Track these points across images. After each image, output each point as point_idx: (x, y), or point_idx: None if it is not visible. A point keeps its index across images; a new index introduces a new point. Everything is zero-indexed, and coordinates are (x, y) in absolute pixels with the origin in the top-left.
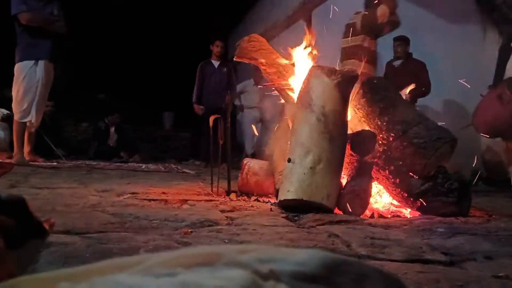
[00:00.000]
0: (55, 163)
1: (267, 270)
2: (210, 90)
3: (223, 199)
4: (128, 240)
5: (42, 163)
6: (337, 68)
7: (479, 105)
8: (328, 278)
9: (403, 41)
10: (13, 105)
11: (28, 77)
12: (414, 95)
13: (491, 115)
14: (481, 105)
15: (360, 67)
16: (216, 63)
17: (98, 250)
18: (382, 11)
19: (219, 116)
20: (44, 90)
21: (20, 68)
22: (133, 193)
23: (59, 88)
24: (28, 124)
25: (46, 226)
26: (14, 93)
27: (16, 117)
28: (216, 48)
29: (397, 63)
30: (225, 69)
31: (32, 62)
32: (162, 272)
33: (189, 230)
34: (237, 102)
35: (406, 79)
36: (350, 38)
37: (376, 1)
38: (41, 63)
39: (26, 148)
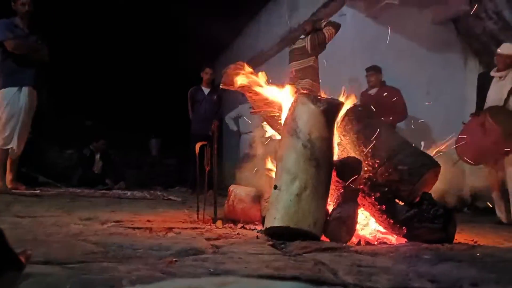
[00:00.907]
0: (38, 191)
1: None
2: (199, 117)
3: (209, 226)
4: (110, 271)
5: (25, 191)
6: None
7: (462, 133)
8: None
9: (374, 70)
10: None
11: (11, 104)
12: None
13: (474, 143)
14: (465, 133)
15: (316, 86)
16: (206, 90)
17: (79, 281)
18: (329, 31)
19: (205, 142)
20: (27, 117)
21: (3, 95)
22: (117, 221)
23: (44, 115)
24: (10, 151)
25: (22, 258)
26: None
27: None
28: (206, 75)
29: (372, 91)
30: (215, 97)
31: (16, 88)
32: None
33: (174, 259)
34: (234, 128)
35: (382, 106)
36: (301, 60)
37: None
38: (24, 89)
39: (8, 176)
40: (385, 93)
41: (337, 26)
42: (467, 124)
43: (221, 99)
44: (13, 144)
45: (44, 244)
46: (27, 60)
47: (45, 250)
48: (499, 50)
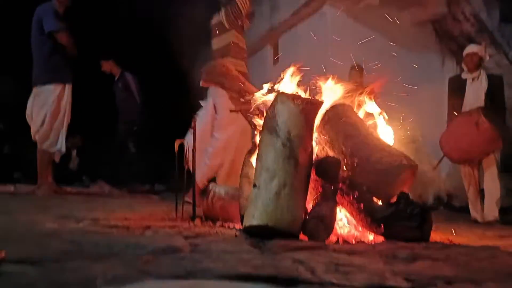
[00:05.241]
0: (12, 188)
1: None
2: (119, 108)
3: (188, 224)
4: (85, 270)
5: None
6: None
7: (450, 133)
8: None
9: (359, 70)
10: None
11: (57, 102)
12: None
13: (466, 142)
14: (455, 132)
15: (240, 65)
16: (117, 82)
17: (53, 281)
18: (242, 0)
19: (183, 140)
20: (69, 116)
21: (50, 92)
22: (93, 219)
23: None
24: (56, 153)
25: None
26: None
27: None
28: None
29: None
30: (120, 84)
31: (61, 86)
32: None
33: (151, 258)
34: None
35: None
36: (219, 37)
37: None
38: (68, 87)
39: (49, 178)
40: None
41: None
42: (457, 124)
43: (127, 83)
44: (61, 146)
45: (17, 243)
46: (65, 54)
47: (18, 249)
48: (465, 51)
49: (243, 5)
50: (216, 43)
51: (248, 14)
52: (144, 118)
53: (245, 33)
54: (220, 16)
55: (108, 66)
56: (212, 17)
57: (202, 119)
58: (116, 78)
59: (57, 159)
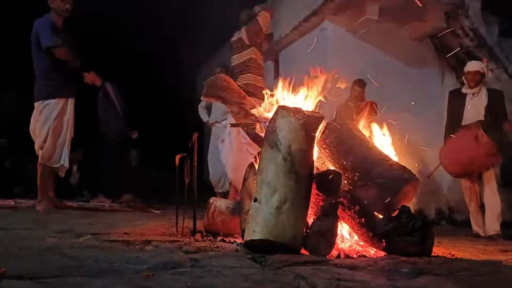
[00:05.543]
0: (12, 203)
1: None
2: (101, 118)
3: (188, 239)
4: (85, 285)
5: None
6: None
7: (449, 146)
8: None
9: (364, 84)
10: None
11: (59, 117)
12: None
13: (465, 156)
14: (455, 146)
15: (260, 81)
16: (98, 90)
17: None
18: (263, 17)
19: (185, 154)
20: (72, 131)
21: (52, 107)
22: (94, 234)
23: (21, 123)
24: (60, 168)
25: None
26: None
27: None
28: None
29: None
30: (101, 94)
31: (63, 100)
32: None
33: (151, 273)
34: (205, 118)
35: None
36: (240, 53)
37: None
38: (70, 101)
39: (50, 193)
40: (366, 108)
41: (270, 10)
42: (457, 139)
43: (107, 92)
44: (64, 161)
45: (17, 258)
46: (68, 68)
47: (17, 264)
48: (467, 69)
49: (264, 22)
50: (236, 59)
51: (267, 35)
52: (125, 127)
53: (262, 52)
54: (241, 33)
55: (90, 77)
56: (233, 35)
57: (228, 135)
58: (98, 88)
59: (62, 174)
